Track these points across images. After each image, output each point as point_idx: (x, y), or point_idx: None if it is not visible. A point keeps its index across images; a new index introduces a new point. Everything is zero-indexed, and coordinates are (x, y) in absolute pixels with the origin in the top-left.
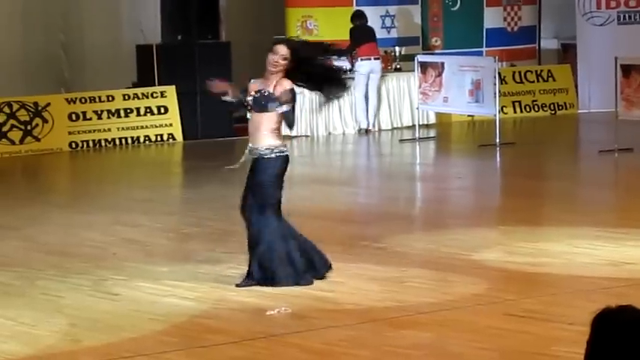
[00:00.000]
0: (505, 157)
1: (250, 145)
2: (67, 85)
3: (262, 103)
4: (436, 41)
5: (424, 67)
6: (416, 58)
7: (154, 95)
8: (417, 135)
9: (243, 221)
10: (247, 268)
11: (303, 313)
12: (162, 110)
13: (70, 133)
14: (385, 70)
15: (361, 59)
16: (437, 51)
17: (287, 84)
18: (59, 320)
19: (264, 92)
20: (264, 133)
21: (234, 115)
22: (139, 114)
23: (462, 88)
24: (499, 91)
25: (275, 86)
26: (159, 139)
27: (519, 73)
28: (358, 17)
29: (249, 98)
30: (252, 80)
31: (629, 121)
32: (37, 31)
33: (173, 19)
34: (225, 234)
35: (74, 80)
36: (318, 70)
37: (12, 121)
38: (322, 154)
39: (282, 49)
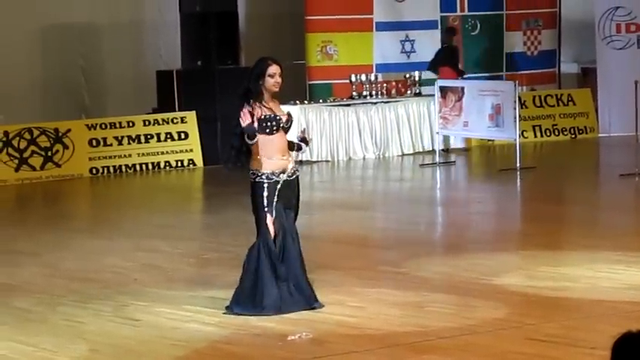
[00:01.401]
0: (525, 182)
1: (291, 164)
2: (88, 111)
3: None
4: None
5: (444, 91)
6: (436, 83)
7: (175, 121)
8: (437, 160)
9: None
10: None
11: (324, 338)
12: (183, 136)
13: (90, 159)
14: (405, 95)
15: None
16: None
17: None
18: (80, 346)
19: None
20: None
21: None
22: (159, 140)
23: (482, 112)
24: (519, 116)
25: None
26: (179, 164)
27: (539, 97)
28: (446, 34)
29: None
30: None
31: None
32: (57, 56)
33: (193, 45)
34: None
35: (94, 106)
36: None
37: (33, 147)
38: (343, 178)
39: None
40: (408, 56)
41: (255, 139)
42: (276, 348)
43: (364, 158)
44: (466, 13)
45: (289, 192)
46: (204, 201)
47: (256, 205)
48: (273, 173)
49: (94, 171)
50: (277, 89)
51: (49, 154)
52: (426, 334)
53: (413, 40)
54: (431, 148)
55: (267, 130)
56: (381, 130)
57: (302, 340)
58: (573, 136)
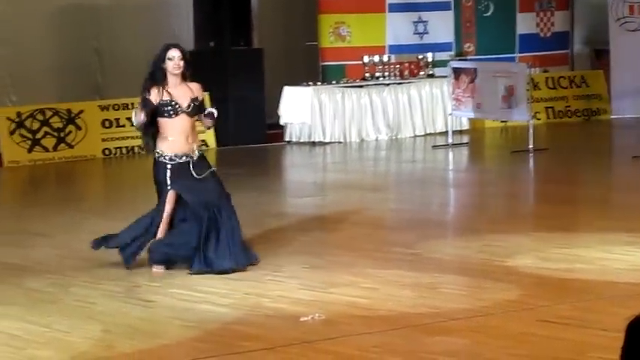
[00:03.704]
0: (538, 163)
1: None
2: (101, 92)
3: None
4: (469, 47)
5: (457, 73)
6: (449, 64)
7: None
8: (450, 141)
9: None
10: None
11: (336, 319)
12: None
13: (103, 140)
14: (418, 77)
15: None
16: (470, 57)
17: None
18: (93, 327)
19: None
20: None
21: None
22: None
23: (495, 94)
24: (532, 97)
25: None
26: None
27: (552, 78)
28: None
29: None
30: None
31: None
32: (70, 38)
33: (205, 26)
34: (258, 241)
35: (108, 87)
36: None
37: (45, 129)
38: (355, 160)
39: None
40: (421, 37)
41: (141, 121)
42: (289, 329)
43: (377, 140)
44: None
45: (198, 170)
46: None
47: (158, 181)
48: (176, 155)
49: (107, 152)
50: (177, 72)
51: (62, 135)
52: (439, 316)
53: (426, 22)
54: (444, 130)
55: (166, 115)
56: (394, 112)
57: (314, 321)
58: (586, 117)
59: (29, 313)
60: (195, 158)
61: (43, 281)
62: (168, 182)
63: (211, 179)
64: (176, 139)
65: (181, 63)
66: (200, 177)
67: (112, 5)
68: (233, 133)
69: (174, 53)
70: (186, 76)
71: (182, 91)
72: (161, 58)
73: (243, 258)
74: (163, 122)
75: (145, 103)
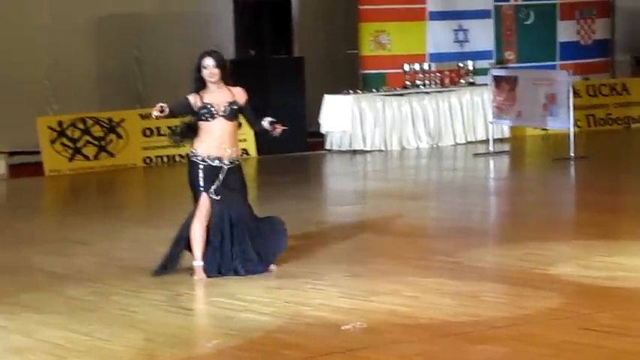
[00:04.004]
0: (579, 171)
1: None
2: (142, 101)
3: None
4: (509, 55)
5: (498, 81)
6: (490, 72)
7: None
8: (490, 149)
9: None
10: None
11: (377, 327)
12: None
13: (144, 148)
14: (458, 85)
15: None
16: (510, 65)
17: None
18: (134, 335)
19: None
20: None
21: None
22: None
23: (536, 101)
24: (573, 105)
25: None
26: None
27: (593, 86)
28: None
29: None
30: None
31: None
32: (111, 47)
33: (246, 35)
34: (299, 249)
35: (148, 96)
36: None
37: (86, 137)
38: (396, 168)
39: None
40: (462, 45)
41: (162, 114)
42: (330, 337)
43: (418, 148)
44: (519, 2)
45: (229, 179)
46: (257, 190)
47: (191, 183)
48: (209, 157)
49: (148, 161)
50: (213, 79)
51: (103, 143)
52: (480, 324)
53: (466, 30)
54: (484, 138)
55: (203, 118)
56: (435, 120)
57: (356, 329)
58: (627, 125)
59: (70, 321)
60: (229, 165)
61: (84, 290)
62: (201, 183)
63: (239, 191)
64: (210, 142)
65: (215, 71)
66: (231, 188)
67: (153, 15)
68: (274, 141)
69: (208, 62)
70: (226, 82)
71: (221, 96)
72: (197, 66)
73: (252, 266)
74: (201, 125)
75: (178, 101)
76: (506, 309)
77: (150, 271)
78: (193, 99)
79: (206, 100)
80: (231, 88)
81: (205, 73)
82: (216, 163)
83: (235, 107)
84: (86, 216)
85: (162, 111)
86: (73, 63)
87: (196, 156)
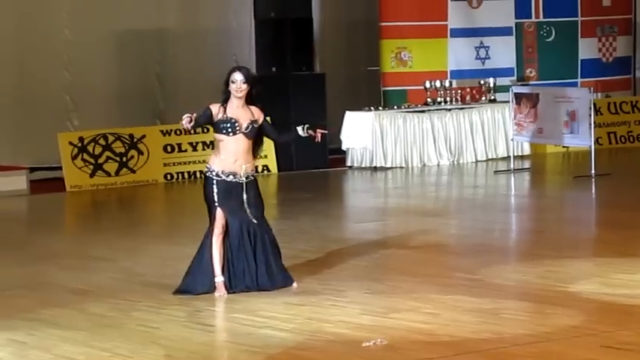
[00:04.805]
0: (600, 189)
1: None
2: (162, 117)
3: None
4: (531, 72)
5: (519, 98)
6: (511, 90)
7: None
8: (511, 166)
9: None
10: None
11: (399, 344)
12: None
13: (165, 164)
14: (479, 102)
15: None
16: (531, 82)
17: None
18: (155, 351)
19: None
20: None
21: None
22: None
23: (557, 119)
24: (594, 122)
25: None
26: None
27: (614, 104)
28: None
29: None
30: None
31: None
32: (132, 63)
33: (268, 51)
34: (320, 265)
35: (169, 112)
36: None
37: (108, 153)
38: (417, 185)
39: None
40: (483, 63)
41: (190, 125)
42: (351, 354)
43: (438, 165)
44: (541, 19)
45: (246, 194)
46: (278, 207)
47: (207, 198)
48: (223, 172)
49: (169, 177)
50: (239, 95)
51: (124, 159)
52: (501, 341)
53: (488, 47)
54: (505, 155)
55: (224, 132)
56: (456, 137)
57: (377, 346)
58: None
59: (92, 337)
60: (245, 180)
61: (106, 306)
62: (216, 199)
63: (255, 206)
64: (226, 157)
65: (244, 86)
66: (249, 203)
67: (174, 31)
68: (295, 158)
69: (237, 77)
70: (250, 99)
71: (244, 113)
72: (226, 80)
73: (267, 282)
74: (219, 138)
75: (201, 111)
76: (528, 326)
77: (171, 290)
78: (216, 110)
79: (230, 115)
80: (251, 106)
81: (233, 87)
82: (231, 178)
83: (256, 126)
84: (107, 232)
85: (191, 120)
86: (93, 79)
87: (211, 171)
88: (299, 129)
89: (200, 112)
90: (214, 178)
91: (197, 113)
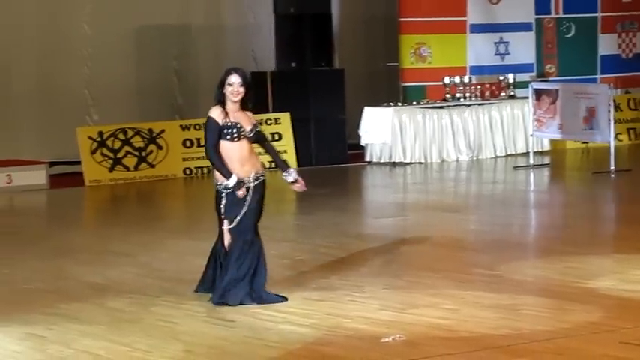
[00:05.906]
0: (620, 185)
1: (253, 173)
2: (181, 112)
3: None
4: (550, 68)
5: (538, 94)
6: (530, 85)
7: (268, 122)
8: (531, 162)
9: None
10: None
11: (417, 340)
12: (277, 137)
13: (184, 159)
14: (499, 97)
15: None
16: (551, 78)
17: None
18: (174, 346)
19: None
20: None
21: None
22: None
23: (577, 115)
24: (614, 118)
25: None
26: (272, 165)
27: (634, 99)
28: None
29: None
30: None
31: None
32: (150, 58)
33: (287, 47)
34: (338, 261)
35: (188, 107)
36: None
37: (127, 148)
38: (436, 181)
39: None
40: (502, 58)
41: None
42: (370, 350)
43: (457, 160)
44: (561, 15)
45: (250, 197)
46: (297, 202)
47: (216, 208)
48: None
49: (188, 172)
50: (236, 98)
51: (143, 154)
52: (520, 337)
53: (507, 42)
54: (525, 151)
55: (228, 138)
56: (475, 133)
57: (395, 342)
58: None
59: (111, 332)
60: (253, 184)
61: (125, 300)
62: (223, 211)
63: (255, 211)
64: (232, 165)
65: (241, 89)
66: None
67: (192, 26)
68: (314, 153)
69: (234, 79)
70: (245, 103)
71: (242, 116)
72: (221, 82)
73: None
74: (223, 144)
75: (211, 127)
76: (547, 322)
77: (191, 285)
78: (218, 114)
79: (233, 120)
80: (246, 111)
81: (229, 89)
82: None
83: (258, 130)
84: (126, 227)
85: (247, 190)
86: (112, 74)
87: (218, 184)
88: (290, 173)
89: (209, 128)
90: (223, 191)
91: (208, 138)
